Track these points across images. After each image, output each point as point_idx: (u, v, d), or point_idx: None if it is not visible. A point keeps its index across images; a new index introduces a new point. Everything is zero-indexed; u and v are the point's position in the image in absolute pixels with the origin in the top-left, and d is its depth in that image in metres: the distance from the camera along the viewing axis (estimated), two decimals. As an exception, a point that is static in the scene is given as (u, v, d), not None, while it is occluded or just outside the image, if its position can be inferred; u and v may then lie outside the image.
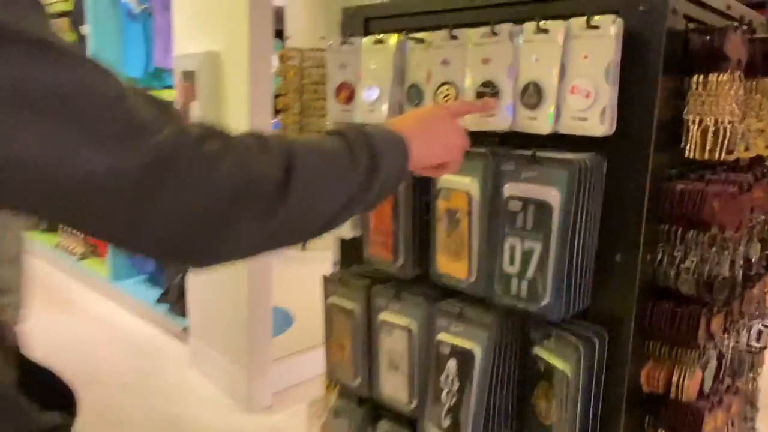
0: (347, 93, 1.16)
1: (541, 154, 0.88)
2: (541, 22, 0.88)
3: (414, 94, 1.06)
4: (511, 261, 0.92)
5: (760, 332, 1.16)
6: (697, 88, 0.88)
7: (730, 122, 0.86)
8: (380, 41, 1.09)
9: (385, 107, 1.08)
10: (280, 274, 2.47)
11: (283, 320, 2.97)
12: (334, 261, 1.29)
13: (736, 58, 0.87)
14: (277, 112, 4.35)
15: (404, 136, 0.69)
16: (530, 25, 0.90)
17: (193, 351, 2.70)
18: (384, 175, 0.64)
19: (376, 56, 1.09)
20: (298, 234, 0.58)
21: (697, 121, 0.88)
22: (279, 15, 4.63)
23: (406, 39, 1.07)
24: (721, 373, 1.04)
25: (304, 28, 4.68)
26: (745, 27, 0.84)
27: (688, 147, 0.89)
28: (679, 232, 0.92)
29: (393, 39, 1.07)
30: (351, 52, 1.15)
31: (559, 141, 0.90)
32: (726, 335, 1.02)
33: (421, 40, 1.05)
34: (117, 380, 2.59)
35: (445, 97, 1.00)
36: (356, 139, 0.63)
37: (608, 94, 0.83)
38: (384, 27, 1.18)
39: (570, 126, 0.87)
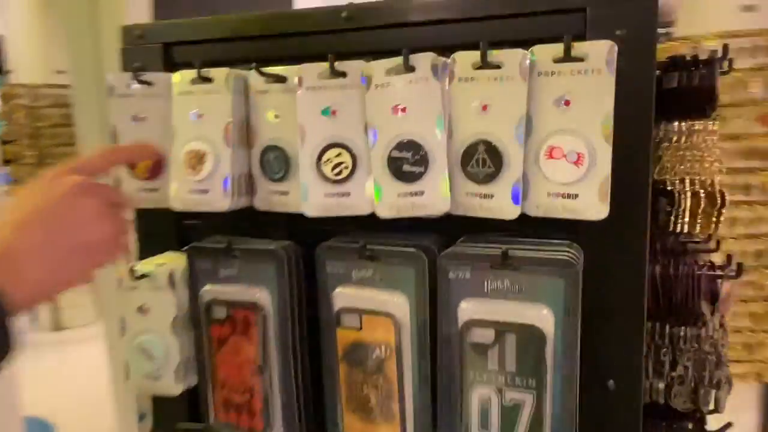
0: (149, 163, 0.71)
1: (515, 251, 0.57)
2: (490, 51, 0.57)
3: (275, 164, 0.67)
4: (484, 421, 0.58)
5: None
6: (677, 140, 0.66)
7: (719, 184, 0.65)
8: (206, 78, 0.67)
9: (220, 189, 0.66)
10: (29, 369, 1.80)
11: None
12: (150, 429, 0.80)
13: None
14: (6, 162, 3.44)
15: None
16: (467, 56, 0.59)
17: None
18: None
19: (199, 103, 0.67)
20: None
21: (687, 183, 0.65)
22: (-5, 44, 3.70)
23: (249, 75, 0.68)
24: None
25: (32, 60, 3.81)
26: (727, 59, 0.64)
27: (676, 219, 0.66)
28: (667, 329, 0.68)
29: (224, 75, 0.67)
30: (150, 96, 0.71)
31: (518, 225, 0.59)
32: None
33: (281, 78, 0.66)
34: None
35: (336, 169, 0.63)
36: None
37: (607, 158, 0.55)
38: (196, 55, 0.76)
39: (550, 207, 0.57)
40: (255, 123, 0.69)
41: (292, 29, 0.71)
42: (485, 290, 0.58)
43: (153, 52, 0.77)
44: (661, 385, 0.69)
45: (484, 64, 0.57)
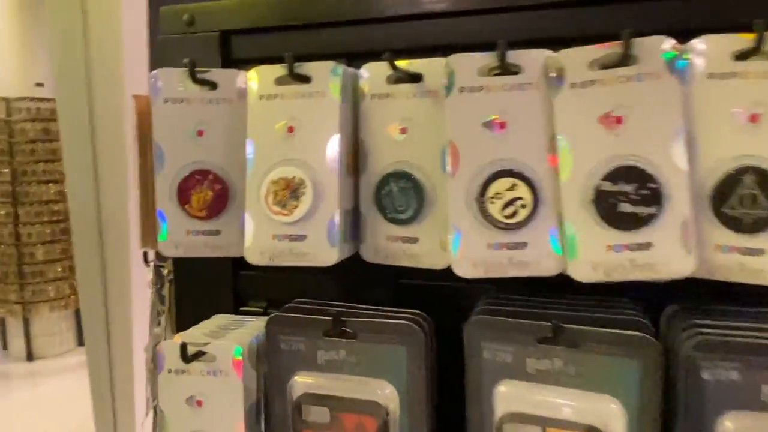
0: (208, 195, 0.51)
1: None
2: None
3: (400, 198, 0.47)
4: None
5: None
6: None
7: None
8: (300, 77, 0.47)
9: (323, 235, 0.46)
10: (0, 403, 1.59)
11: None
12: None
13: None
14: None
15: None
16: (726, 43, 0.39)
17: None
18: None
19: (290, 111, 0.47)
20: None
21: None
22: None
23: (361, 71, 0.48)
24: None
25: (9, 72, 3.57)
26: None
27: None
28: None
29: (328, 70, 0.46)
30: (213, 101, 0.50)
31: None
32: None
33: (415, 77, 0.46)
34: None
35: (508, 208, 0.42)
36: None
37: None
38: (269, 48, 0.56)
39: None
40: (368, 139, 0.48)
41: (410, 10, 0.51)
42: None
43: (207, 44, 0.57)
44: None
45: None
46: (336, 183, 0.46)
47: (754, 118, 0.39)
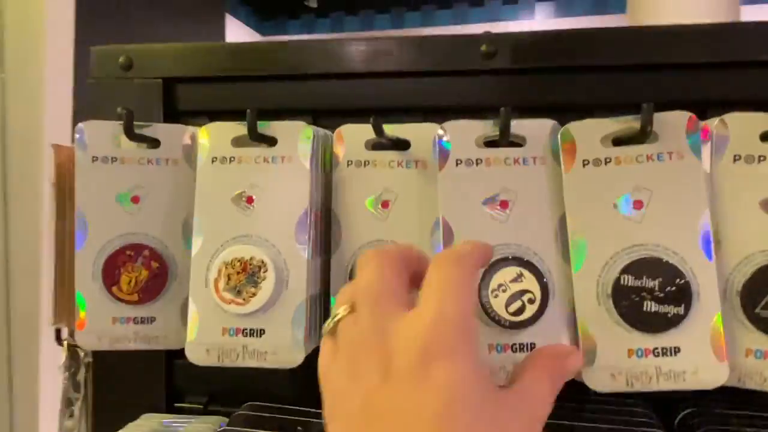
0: (143, 274, 0.41)
1: None
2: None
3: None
4: None
5: None
6: None
7: None
8: (264, 138, 0.39)
9: (288, 329, 0.38)
10: None
11: None
12: None
13: None
14: None
15: None
16: (745, 121, 0.35)
17: None
18: None
19: (249, 178, 0.39)
20: None
21: None
22: None
23: (334, 135, 0.41)
24: None
25: None
26: None
27: None
28: None
29: (298, 131, 0.39)
30: (154, 162, 0.42)
31: None
32: None
33: (401, 143, 0.40)
34: None
35: (514, 303, 0.36)
36: None
37: None
38: (220, 100, 0.48)
39: None
40: (343, 213, 0.41)
41: (395, 66, 0.45)
42: None
43: (148, 92, 0.48)
44: None
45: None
46: (304, 265, 0.38)
47: (786, 208, 0.34)
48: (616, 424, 0.37)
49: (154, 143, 0.42)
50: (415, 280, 0.28)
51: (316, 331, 0.40)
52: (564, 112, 0.40)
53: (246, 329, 0.38)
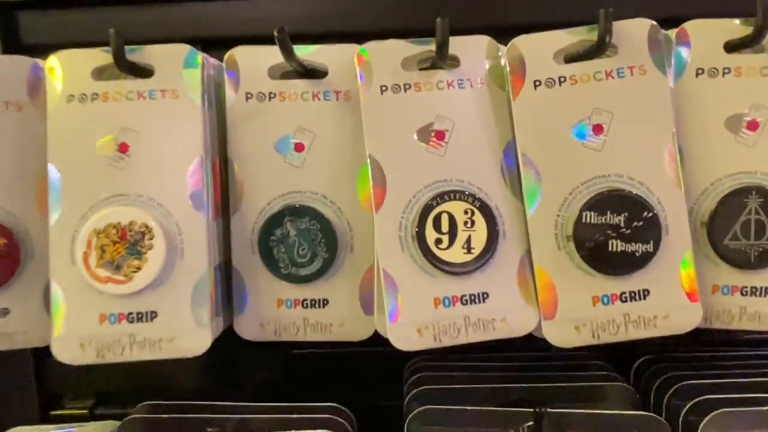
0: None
1: None
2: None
3: (301, 244, 0.32)
4: None
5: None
6: None
7: None
8: (136, 69, 0.30)
9: (186, 309, 0.30)
10: None
11: None
12: None
13: None
14: None
15: None
16: (722, 28, 0.31)
17: None
18: None
19: (121, 121, 0.30)
20: None
21: None
22: None
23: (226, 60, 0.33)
24: None
25: None
26: None
27: None
28: None
29: (180, 56, 0.31)
30: (-15, 106, 0.32)
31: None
32: None
33: (316, 72, 0.32)
34: None
35: (455, 240, 0.30)
36: None
37: None
38: (74, 32, 0.38)
39: None
40: (245, 162, 0.33)
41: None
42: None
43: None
44: None
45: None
46: (203, 228, 0.30)
47: (752, 127, 0.31)
48: (579, 380, 0.33)
49: (-15, 82, 0.32)
50: None
51: (222, 310, 0.32)
52: (500, 35, 0.34)
53: (132, 314, 0.30)
